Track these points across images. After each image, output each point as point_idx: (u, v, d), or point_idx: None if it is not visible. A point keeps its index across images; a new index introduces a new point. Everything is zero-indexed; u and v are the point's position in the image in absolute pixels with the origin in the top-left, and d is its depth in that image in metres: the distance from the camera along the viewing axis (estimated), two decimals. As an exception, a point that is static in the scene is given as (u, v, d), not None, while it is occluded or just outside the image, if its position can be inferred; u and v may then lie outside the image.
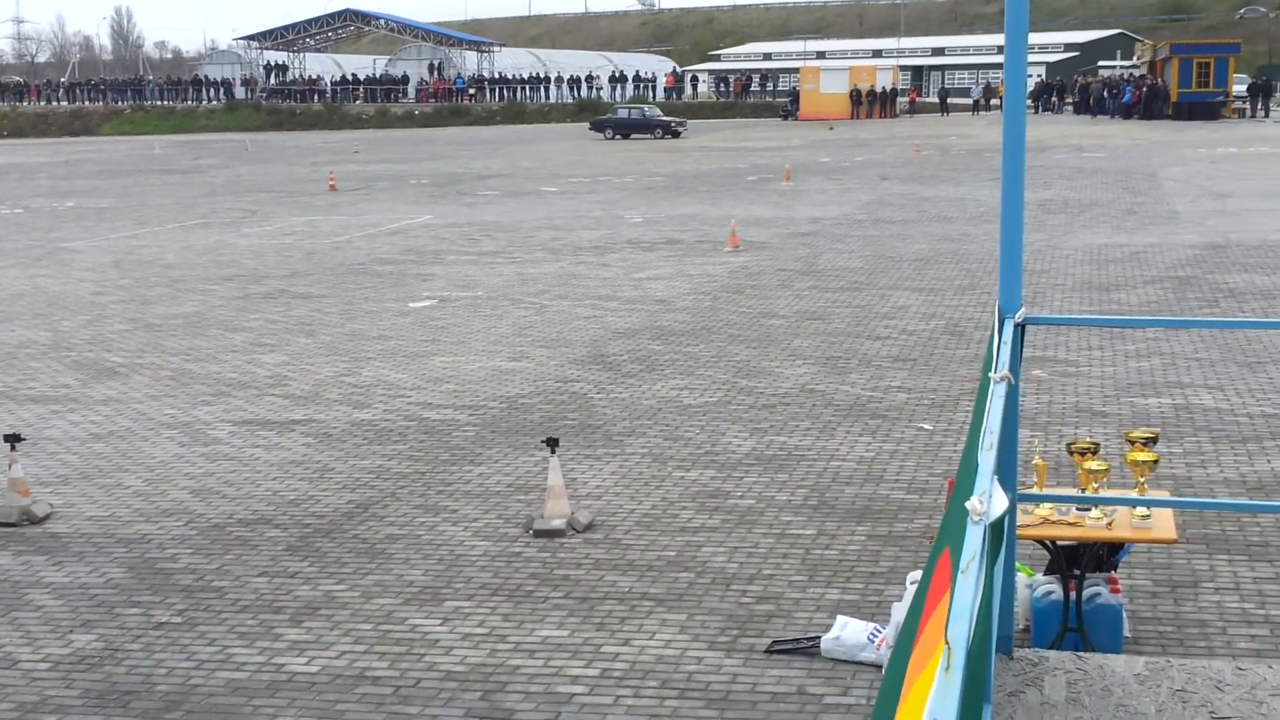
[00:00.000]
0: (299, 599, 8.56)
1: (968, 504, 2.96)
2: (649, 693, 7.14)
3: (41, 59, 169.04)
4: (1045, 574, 7.51)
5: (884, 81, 78.68)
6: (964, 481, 3.97)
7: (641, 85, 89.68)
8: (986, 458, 3.29)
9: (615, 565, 8.96)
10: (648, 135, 63.02)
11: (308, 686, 7.35)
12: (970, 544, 2.80)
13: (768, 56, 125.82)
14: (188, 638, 8.02)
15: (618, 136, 63.41)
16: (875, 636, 7.32)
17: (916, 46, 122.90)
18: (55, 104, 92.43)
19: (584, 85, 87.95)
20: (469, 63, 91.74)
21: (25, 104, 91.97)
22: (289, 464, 11.53)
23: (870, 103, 76.02)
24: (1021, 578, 7.27)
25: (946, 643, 2.42)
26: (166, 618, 8.33)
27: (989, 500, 2.99)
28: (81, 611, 8.48)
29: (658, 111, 66.90)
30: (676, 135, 62.07)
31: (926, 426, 12.04)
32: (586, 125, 69.58)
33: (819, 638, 7.51)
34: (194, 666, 7.63)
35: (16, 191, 41.33)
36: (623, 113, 66.39)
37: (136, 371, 15.26)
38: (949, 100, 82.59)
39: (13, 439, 10.49)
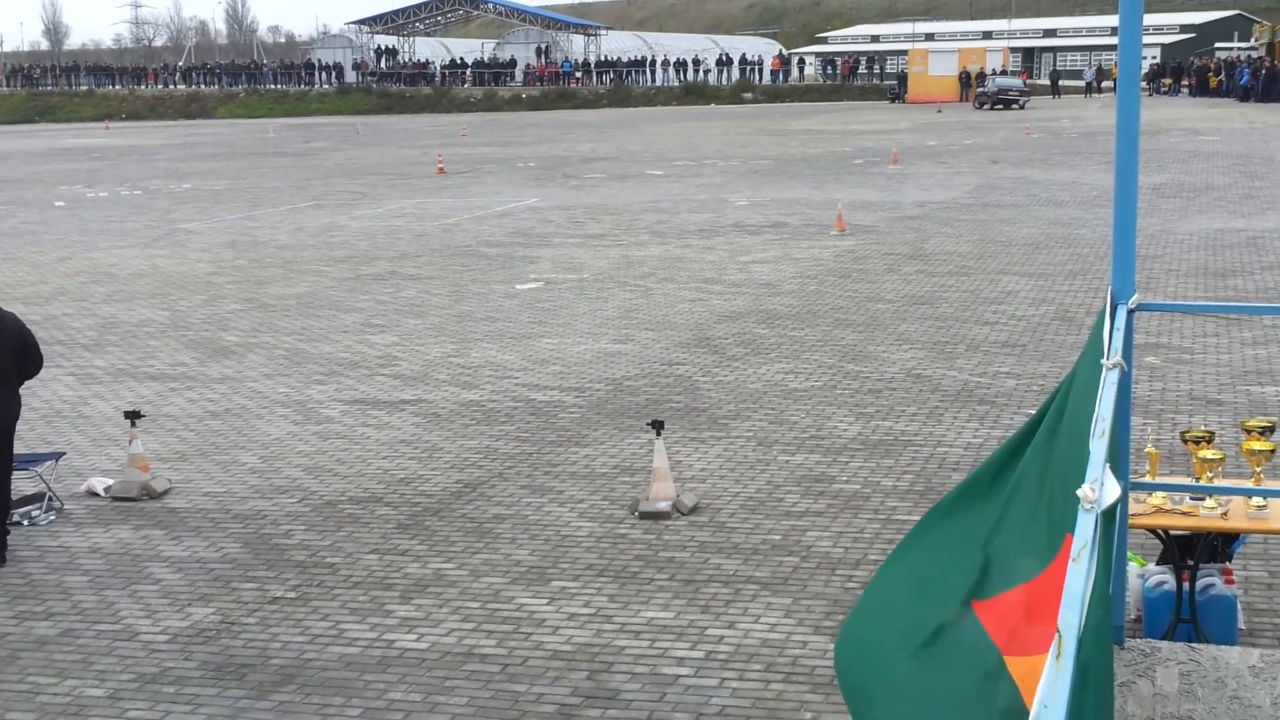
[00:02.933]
0: (409, 576, 8.70)
1: (1079, 491, 2.94)
2: (754, 676, 7.17)
3: (158, 43, 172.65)
4: (1158, 564, 7.41)
5: (994, 64, 77.59)
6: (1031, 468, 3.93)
7: (748, 68, 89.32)
8: (1099, 445, 3.26)
9: (720, 548, 8.99)
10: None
11: (418, 663, 7.47)
12: (1082, 532, 2.79)
13: (875, 39, 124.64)
14: (301, 612, 8.19)
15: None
16: (982, 624, 7.27)
17: (1028, 28, 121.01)
18: (172, 88, 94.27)
19: (690, 68, 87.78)
20: (576, 46, 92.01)
21: (143, 87, 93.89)
22: (399, 443, 11.71)
23: (980, 85, 74.96)
24: (1133, 567, 7.18)
25: (1058, 631, 2.41)
26: (281, 592, 8.51)
27: (1101, 488, 2.97)
28: (199, 585, 8.69)
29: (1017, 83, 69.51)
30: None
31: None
32: (696, 108, 69.72)
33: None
34: (307, 641, 7.80)
35: (135, 173, 42.27)
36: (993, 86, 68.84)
37: (251, 350, 15.57)
38: (1061, 83, 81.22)
39: (133, 415, 10.76)
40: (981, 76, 74.99)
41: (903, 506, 9.64)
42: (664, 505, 9.60)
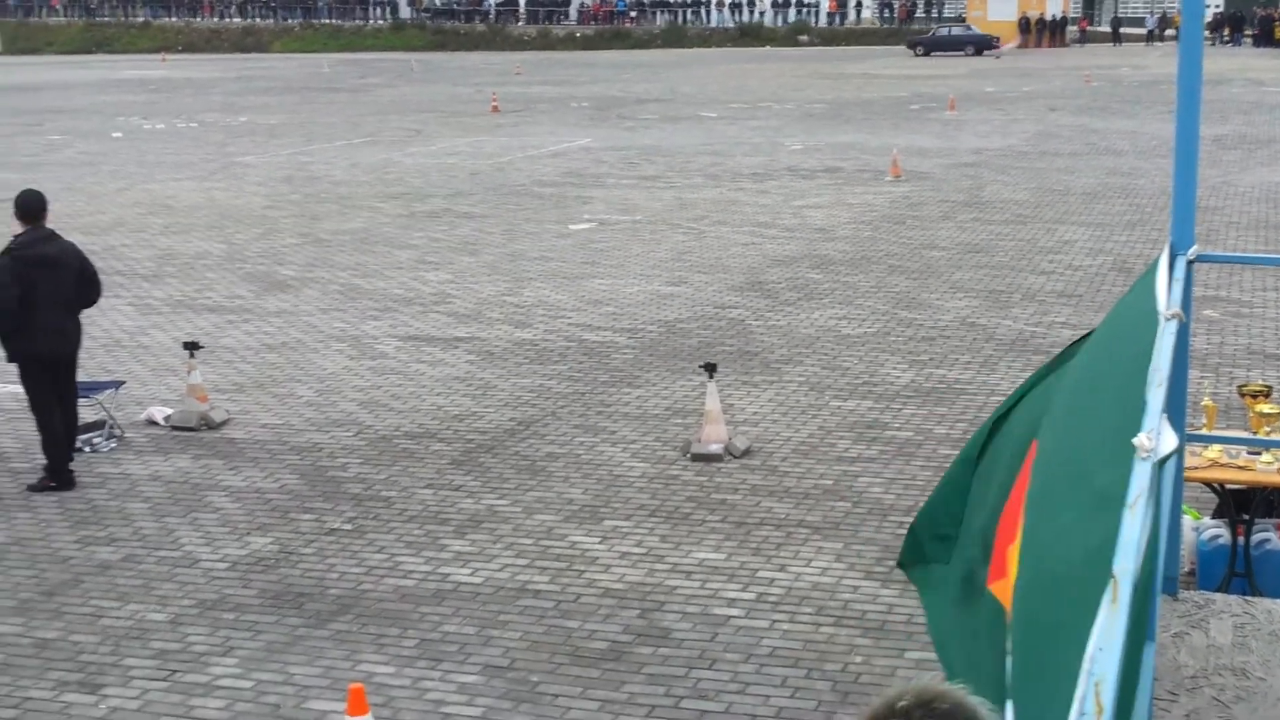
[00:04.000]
0: (463, 511, 8.81)
1: (1135, 440, 2.95)
2: (804, 618, 7.23)
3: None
4: (1213, 517, 7.40)
5: (1054, 9, 76.47)
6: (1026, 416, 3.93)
7: (804, 10, 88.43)
8: (1156, 395, 3.27)
9: (772, 491, 9.04)
10: (958, 53, 65.17)
11: (471, 596, 7.58)
12: (1138, 481, 2.80)
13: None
14: (358, 544, 8.32)
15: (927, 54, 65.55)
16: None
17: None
18: (228, 20, 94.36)
19: (745, 9, 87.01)
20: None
21: (199, 20, 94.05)
22: (453, 380, 11.80)
23: (1039, 31, 73.99)
24: (1188, 520, 7.18)
25: (1114, 576, 2.44)
26: (338, 524, 8.64)
27: (1157, 438, 2.98)
28: (258, 515, 8.83)
29: (974, 29, 69.48)
30: (991, 48, 64.94)
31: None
32: (751, 49, 69.51)
33: (976, 572, 7.50)
34: (364, 572, 7.92)
35: (192, 106, 42.46)
36: (942, 31, 69.46)
37: (307, 285, 15.70)
38: (1122, 30, 79.98)
39: (191, 346, 10.89)
40: (1042, 22, 74.06)
41: (955, 454, 9.62)
42: (716, 448, 9.65)
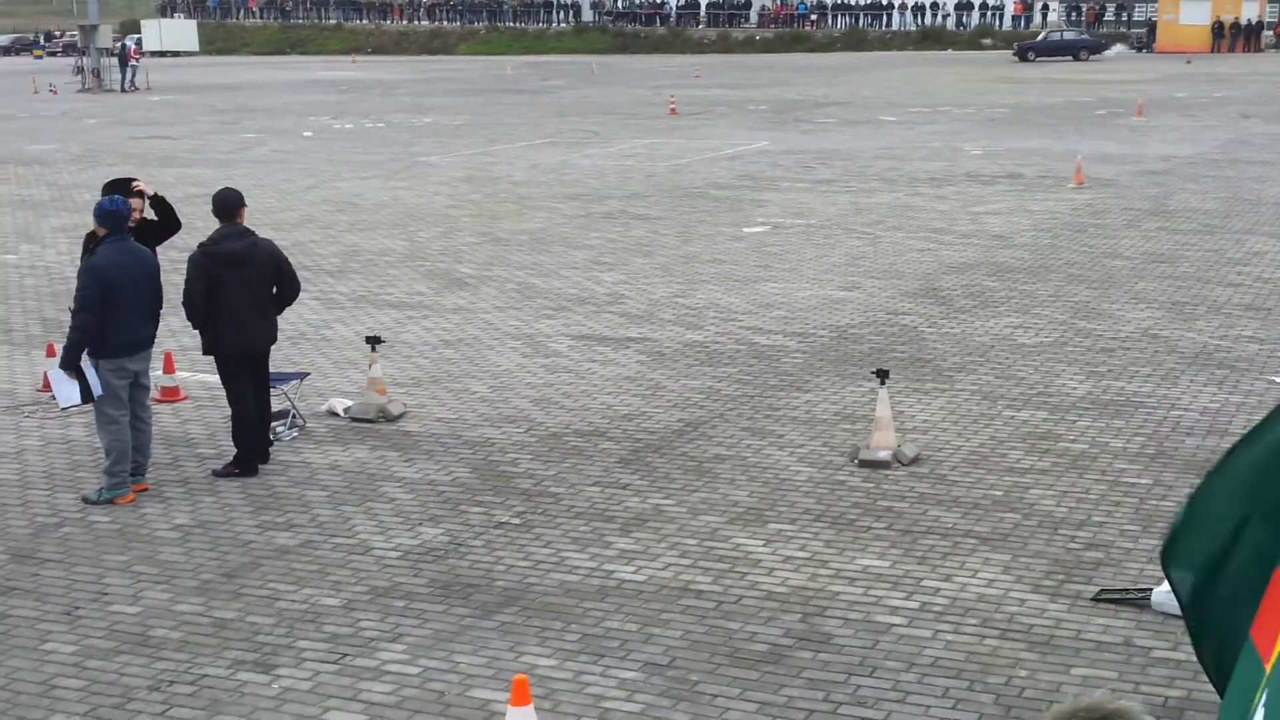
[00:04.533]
0: (629, 510, 8.90)
1: None
2: (969, 630, 7.15)
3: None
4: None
5: (1250, 13, 73.93)
6: None
7: (988, 13, 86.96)
8: None
9: (940, 500, 8.94)
10: (1068, 58, 63.67)
11: (635, 594, 7.66)
12: None
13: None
14: (525, 538, 8.46)
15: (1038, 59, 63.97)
16: (1209, 593, 7.08)
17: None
18: (416, 23, 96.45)
19: (928, 12, 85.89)
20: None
21: (388, 22, 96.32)
22: (623, 379, 11.92)
23: (1234, 35, 71.60)
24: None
25: None
26: (506, 518, 8.80)
27: None
28: (430, 506, 9.04)
29: (1084, 35, 68.53)
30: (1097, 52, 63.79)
31: (1278, 380, 11.47)
32: (932, 53, 68.73)
33: (1150, 589, 7.33)
34: (530, 566, 8.06)
35: (380, 106, 43.54)
36: (1054, 37, 67.23)
37: (485, 283, 15.99)
38: (1324, 34, 76.90)
39: (373, 341, 11.19)
40: (1236, 26, 71.65)
41: (1132, 469, 9.42)
42: (884, 455, 9.58)
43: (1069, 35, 67.32)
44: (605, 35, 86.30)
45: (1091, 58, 63.74)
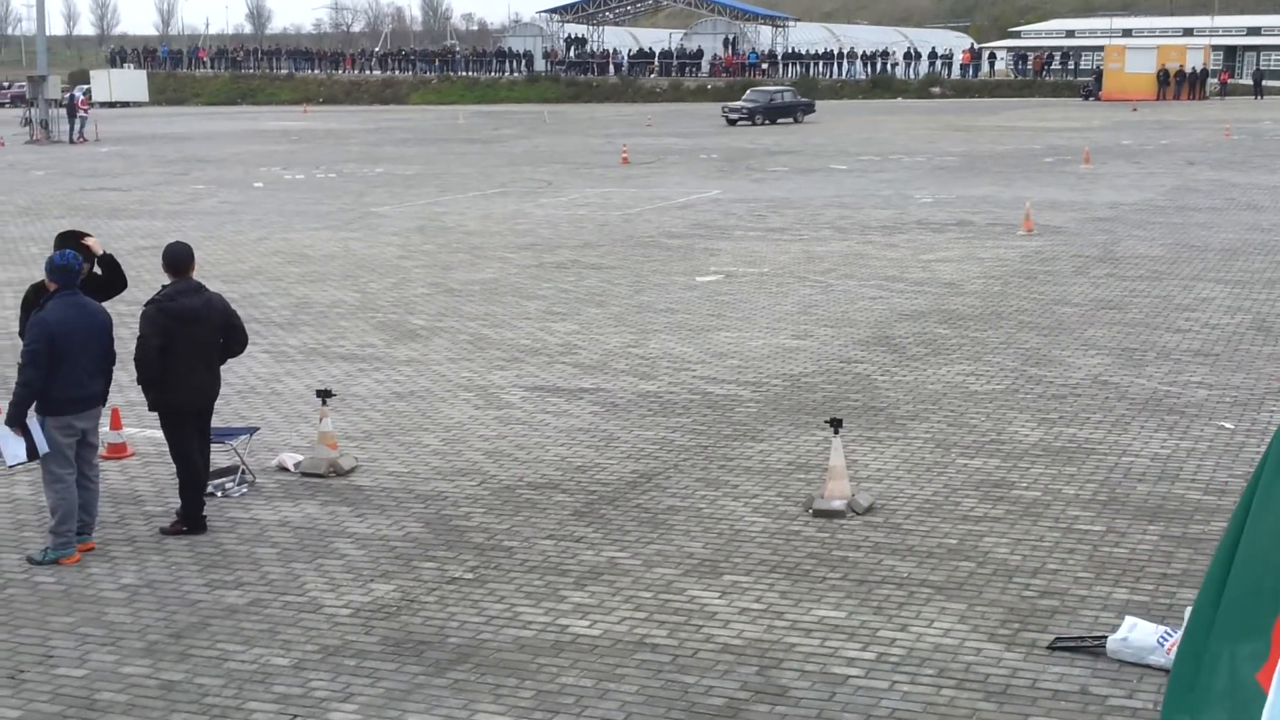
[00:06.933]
0: (583, 563, 8.82)
1: None
2: (925, 680, 7.11)
3: (356, 29, 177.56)
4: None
5: (1194, 62, 75.17)
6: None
7: (937, 62, 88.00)
8: None
9: (894, 550, 8.93)
10: (789, 120, 58.70)
11: (590, 649, 7.58)
12: None
13: (1070, 34, 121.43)
14: (479, 594, 8.37)
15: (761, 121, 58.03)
16: (1166, 640, 7.08)
17: (1231, 25, 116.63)
18: (368, 73, 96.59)
19: (878, 61, 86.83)
20: (763, 37, 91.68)
21: (340, 72, 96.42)
22: (577, 431, 11.86)
23: (1178, 83, 72.76)
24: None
25: None
26: (459, 573, 8.71)
27: None
28: (381, 562, 8.94)
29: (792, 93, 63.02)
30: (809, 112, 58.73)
31: (1228, 425, 11.55)
32: (882, 101, 68.74)
33: (1105, 637, 7.33)
34: (484, 622, 7.97)
35: (331, 156, 43.47)
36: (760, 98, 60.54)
37: (437, 334, 15.92)
38: (1264, 83, 78.27)
39: (324, 394, 11.08)
40: (1181, 74, 72.75)
41: (1085, 516, 9.44)
42: (839, 504, 9.56)
43: (787, 97, 61.60)
44: (557, 85, 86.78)
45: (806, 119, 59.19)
